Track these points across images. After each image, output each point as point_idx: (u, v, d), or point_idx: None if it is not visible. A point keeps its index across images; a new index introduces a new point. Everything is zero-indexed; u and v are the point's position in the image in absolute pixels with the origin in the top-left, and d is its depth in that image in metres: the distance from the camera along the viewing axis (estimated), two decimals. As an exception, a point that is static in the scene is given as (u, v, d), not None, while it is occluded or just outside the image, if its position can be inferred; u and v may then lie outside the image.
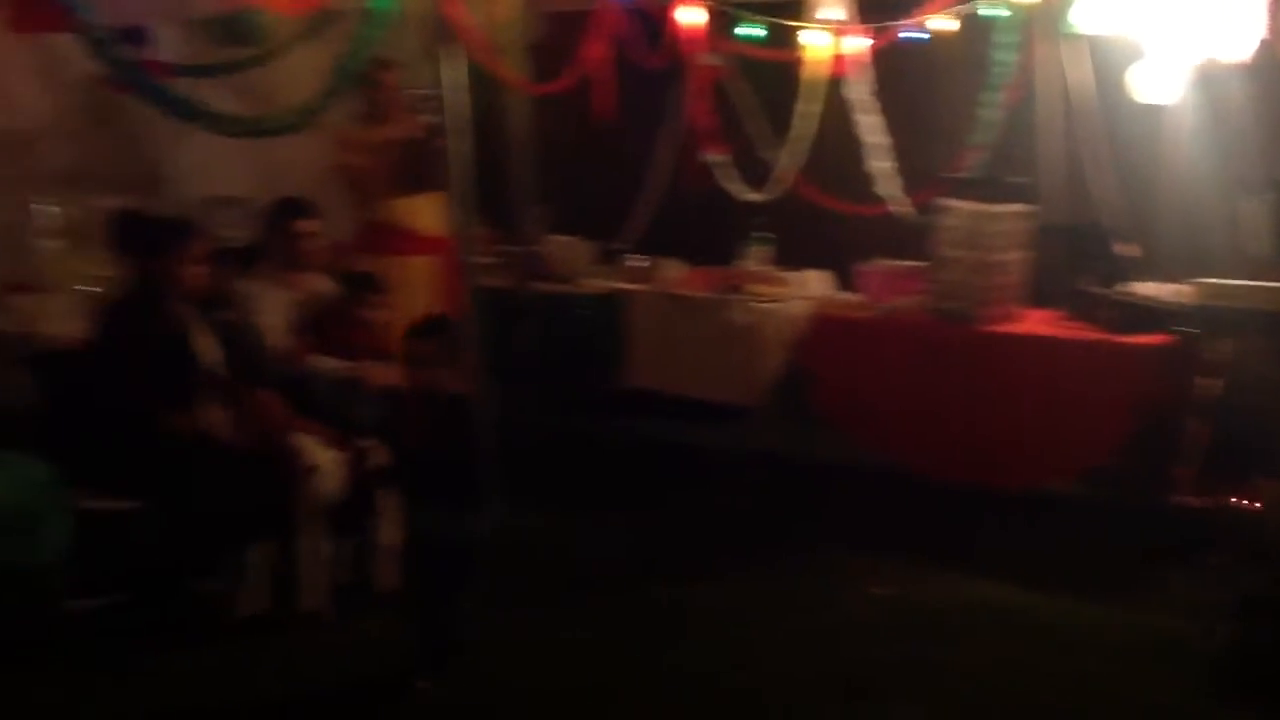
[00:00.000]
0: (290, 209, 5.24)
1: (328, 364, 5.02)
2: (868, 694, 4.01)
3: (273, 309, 5.07)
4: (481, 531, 4.05)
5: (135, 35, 5.38)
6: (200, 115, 3.46)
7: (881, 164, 6.01)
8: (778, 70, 6.16)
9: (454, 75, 4.76)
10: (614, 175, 7.04)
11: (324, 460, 4.65)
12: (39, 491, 3.64)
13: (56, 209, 5.72)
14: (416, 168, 5.70)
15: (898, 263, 6.06)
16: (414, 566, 4.17)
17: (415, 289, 5.79)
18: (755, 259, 6.38)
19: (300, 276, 5.20)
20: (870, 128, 6.00)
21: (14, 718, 3.76)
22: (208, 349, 4.64)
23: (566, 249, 6.90)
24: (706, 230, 6.61)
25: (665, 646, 4.37)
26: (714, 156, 6.20)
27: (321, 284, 5.23)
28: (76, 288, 5.45)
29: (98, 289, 5.32)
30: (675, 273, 6.65)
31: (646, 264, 6.71)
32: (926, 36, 6.04)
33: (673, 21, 5.96)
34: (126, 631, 4.22)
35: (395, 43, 5.20)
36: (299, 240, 5.20)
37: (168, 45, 5.91)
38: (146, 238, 4.56)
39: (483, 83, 5.15)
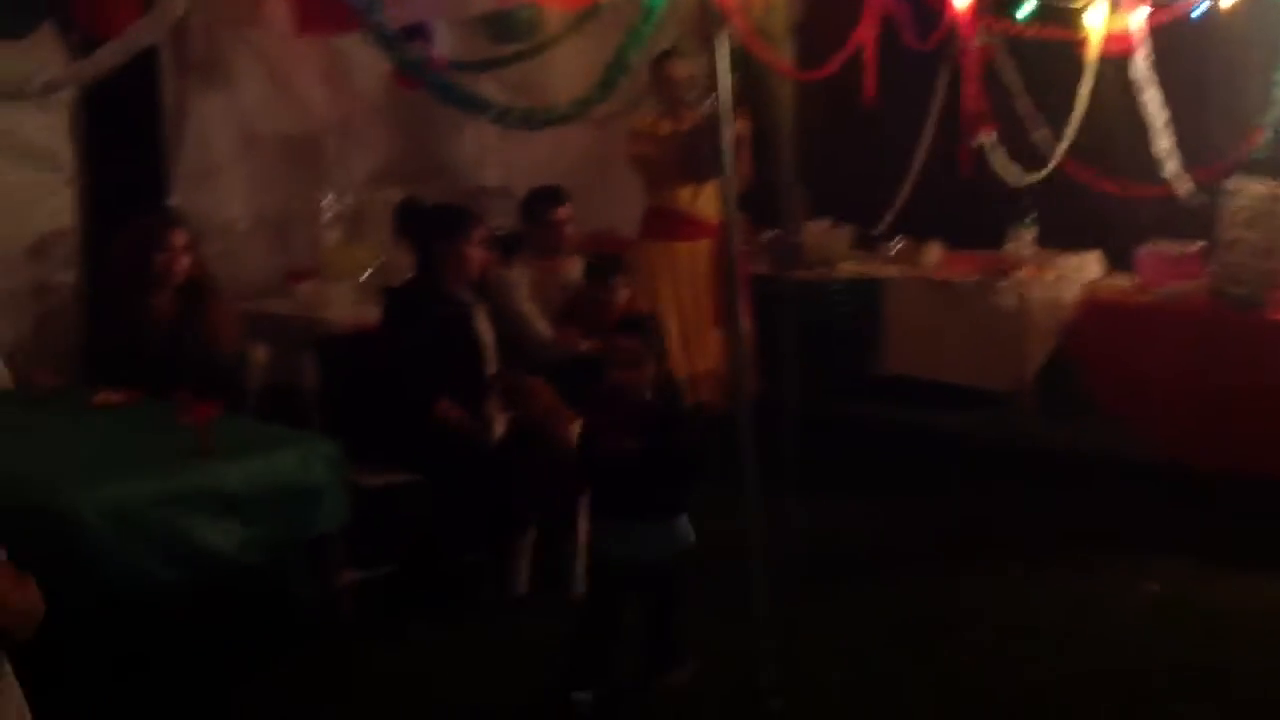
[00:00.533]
0: (547, 197, 5.38)
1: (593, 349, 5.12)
2: (1149, 697, 3.84)
3: (532, 296, 5.21)
4: (680, 548, 3.81)
5: (418, 33, 5.60)
6: (486, 108, 3.56)
7: (1163, 143, 5.73)
8: (1047, 48, 5.95)
9: (720, 62, 4.76)
10: (873, 158, 6.93)
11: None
12: (324, 466, 3.83)
13: (338, 201, 6.03)
14: (702, 156, 5.76)
15: (1176, 245, 5.79)
16: (601, 587, 3.90)
17: (697, 275, 5.89)
18: (1022, 242, 6.20)
19: (557, 263, 5.33)
20: (1152, 105, 5.72)
21: (292, 678, 3.97)
22: (487, 336, 4.80)
23: (825, 234, 6.85)
24: (968, 213, 6.45)
25: (936, 643, 4.27)
26: (984, 138, 6.04)
27: (577, 270, 5.36)
28: (355, 275, 5.74)
29: (375, 276, 5.60)
30: (936, 257, 6.51)
31: (907, 248, 6.61)
32: (1206, 9, 5.72)
33: (946, 1, 5.82)
34: (396, 603, 4.40)
35: (666, 32, 5.28)
36: (555, 227, 5.33)
37: (441, 42, 6.14)
38: (429, 224, 4.75)
39: (747, 68, 5.16)
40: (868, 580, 4.82)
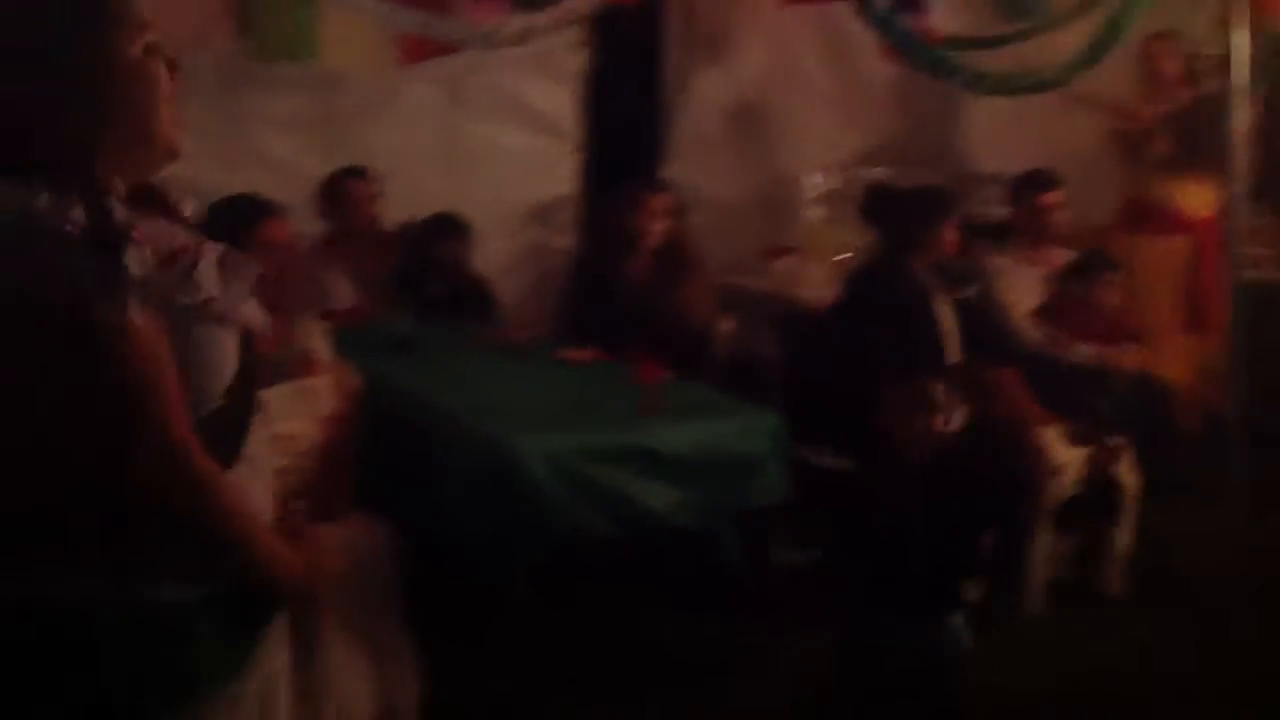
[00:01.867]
0: (1036, 181, 5.02)
1: (1078, 350, 4.75)
2: None
3: (1018, 287, 4.88)
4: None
5: (911, 4, 5.41)
6: (955, 72, 3.36)
7: None
8: None
9: (1239, 44, 4.27)
10: None
11: (1068, 459, 4.40)
12: (765, 439, 3.76)
13: (821, 180, 5.96)
14: (1185, 144, 5.27)
15: None
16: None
17: (1164, 274, 5.37)
18: None
19: (1046, 253, 4.96)
20: None
21: (712, 643, 3.94)
22: (948, 323, 4.56)
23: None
24: None
25: None
26: None
27: (1066, 261, 4.96)
28: (834, 256, 5.64)
29: (856, 257, 5.47)
30: None
31: None
32: None
33: None
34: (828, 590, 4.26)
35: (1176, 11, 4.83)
36: (1044, 214, 4.97)
37: (941, 16, 5.90)
38: (896, 208, 4.57)
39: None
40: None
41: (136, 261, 1.60)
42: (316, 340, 3.58)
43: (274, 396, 3.25)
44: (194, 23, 4.51)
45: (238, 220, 3.35)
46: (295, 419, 3.40)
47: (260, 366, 1.87)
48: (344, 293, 4.91)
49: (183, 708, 1.74)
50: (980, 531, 3.43)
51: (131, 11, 1.74)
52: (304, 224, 4.94)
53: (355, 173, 5.04)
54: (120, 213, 1.63)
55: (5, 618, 1.68)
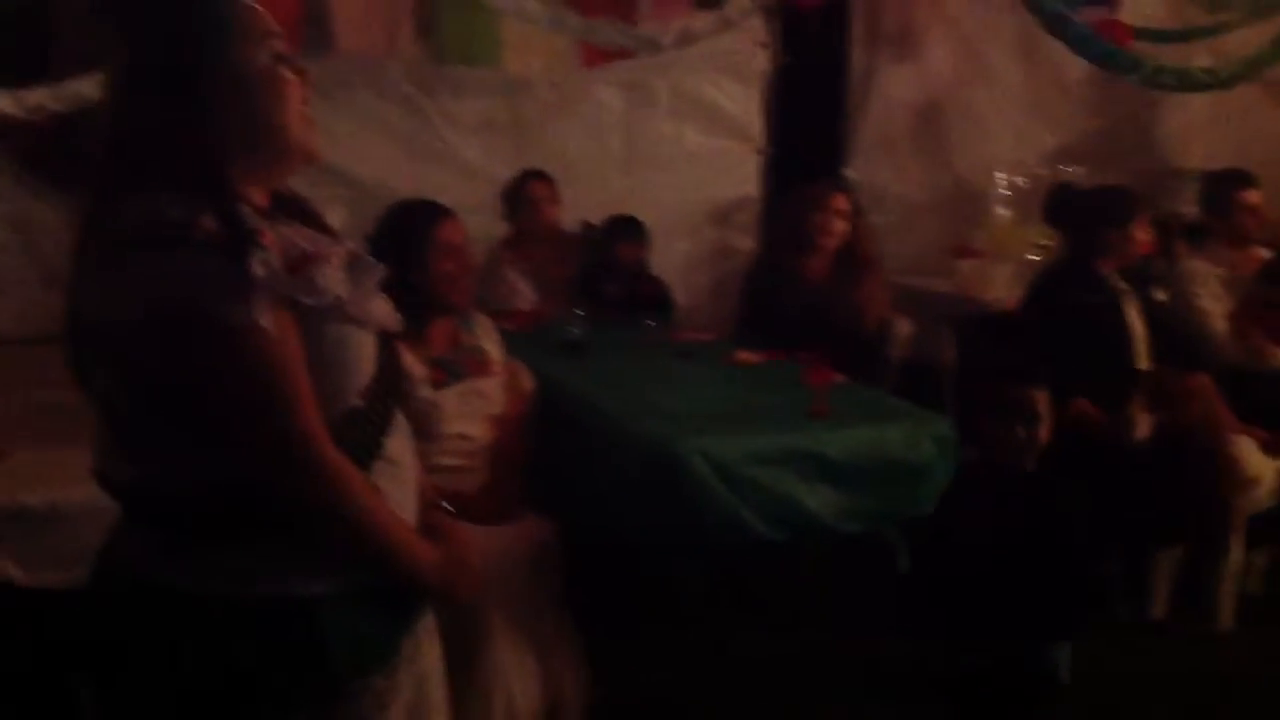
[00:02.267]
0: (1231, 179, 4.80)
1: (1276, 355, 4.53)
2: None
3: (1213, 290, 4.68)
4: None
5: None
6: (1134, 67, 3.23)
7: None
8: None
9: None
10: None
11: (1263, 470, 4.21)
12: (934, 445, 3.69)
13: (1009, 179, 5.82)
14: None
15: None
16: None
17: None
18: None
19: (1244, 254, 4.74)
20: None
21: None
22: (1138, 328, 4.40)
23: None
24: None
25: None
26: None
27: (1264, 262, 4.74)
28: (1021, 257, 5.50)
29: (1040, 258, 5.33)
30: None
31: None
32: None
33: None
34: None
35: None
36: (1242, 213, 4.74)
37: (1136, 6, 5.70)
38: (1080, 209, 4.43)
39: None
40: None
41: (262, 265, 1.66)
42: (489, 341, 3.66)
43: (446, 397, 3.39)
44: (380, 30, 4.67)
45: (413, 223, 3.45)
46: (466, 419, 3.50)
47: (400, 373, 1.94)
48: (524, 294, 5.01)
49: (324, 702, 1.80)
50: (1100, 554, 3.35)
51: (257, 21, 1.81)
52: (490, 225, 5.09)
53: (537, 175, 5.14)
54: (248, 218, 1.70)
55: (151, 604, 1.77)
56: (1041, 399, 3.29)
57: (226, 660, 1.74)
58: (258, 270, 1.65)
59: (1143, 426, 4.23)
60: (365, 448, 1.81)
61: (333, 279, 1.77)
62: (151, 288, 1.64)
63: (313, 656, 1.77)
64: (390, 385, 1.88)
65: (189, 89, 1.73)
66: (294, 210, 1.89)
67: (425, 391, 3.31)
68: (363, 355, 1.83)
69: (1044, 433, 3.29)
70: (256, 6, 1.83)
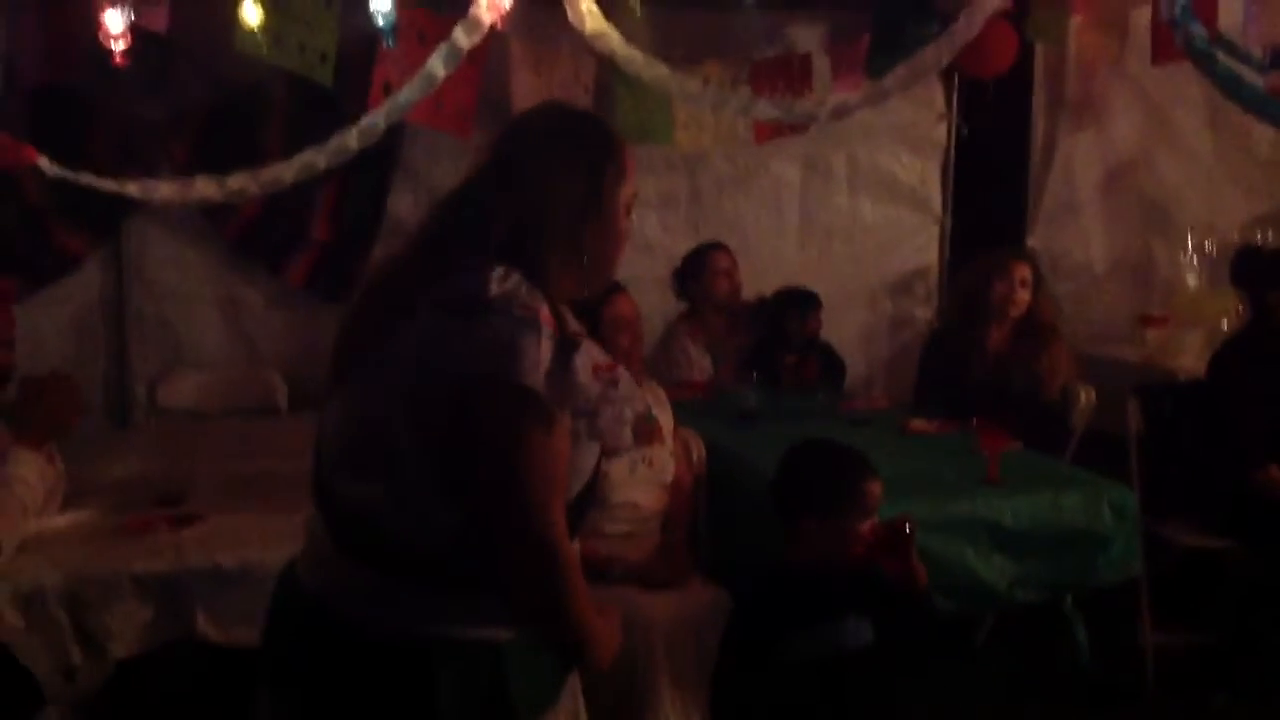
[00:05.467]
0: None
1: None
2: None
3: None
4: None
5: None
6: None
7: None
8: None
9: None
10: None
11: None
12: (1113, 514, 3.60)
13: (1198, 246, 5.67)
14: None
15: None
16: None
17: None
18: None
19: None
20: None
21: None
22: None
23: None
24: None
25: None
26: None
27: None
28: (1212, 324, 5.34)
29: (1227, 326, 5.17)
30: None
31: None
32: None
33: None
34: (1206, 676, 4.03)
35: None
36: None
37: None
38: (1265, 271, 4.30)
39: None
40: None
41: (583, 369, 1.85)
42: (660, 410, 3.74)
43: (615, 466, 3.47)
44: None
45: (589, 299, 3.56)
46: (636, 487, 3.57)
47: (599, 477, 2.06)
48: (700, 364, 5.08)
49: None
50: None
51: (629, 167, 2.01)
52: (668, 298, 5.20)
53: (716, 246, 5.23)
54: (572, 322, 1.90)
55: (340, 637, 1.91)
56: None
57: (417, 696, 1.87)
58: (580, 373, 1.83)
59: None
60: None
61: (631, 391, 1.94)
62: (486, 364, 1.80)
63: (498, 694, 1.90)
64: (594, 488, 2.02)
65: (566, 202, 1.94)
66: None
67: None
68: (590, 463, 1.97)
69: None
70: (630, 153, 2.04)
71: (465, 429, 1.80)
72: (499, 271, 1.83)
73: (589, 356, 1.88)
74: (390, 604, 1.88)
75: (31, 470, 3.07)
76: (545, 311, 1.81)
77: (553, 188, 1.93)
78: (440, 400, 1.81)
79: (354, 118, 4.13)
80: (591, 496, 2.01)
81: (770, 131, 5.00)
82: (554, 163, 1.96)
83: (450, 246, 1.92)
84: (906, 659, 3.48)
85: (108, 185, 4.08)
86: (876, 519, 2.88)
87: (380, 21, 3.96)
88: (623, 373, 1.94)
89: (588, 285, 2.02)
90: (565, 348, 1.82)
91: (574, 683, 2.13)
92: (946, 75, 5.61)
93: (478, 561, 1.84)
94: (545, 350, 1.80)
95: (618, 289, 3.64)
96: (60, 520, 3.19)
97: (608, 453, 2.01)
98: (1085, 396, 4.69)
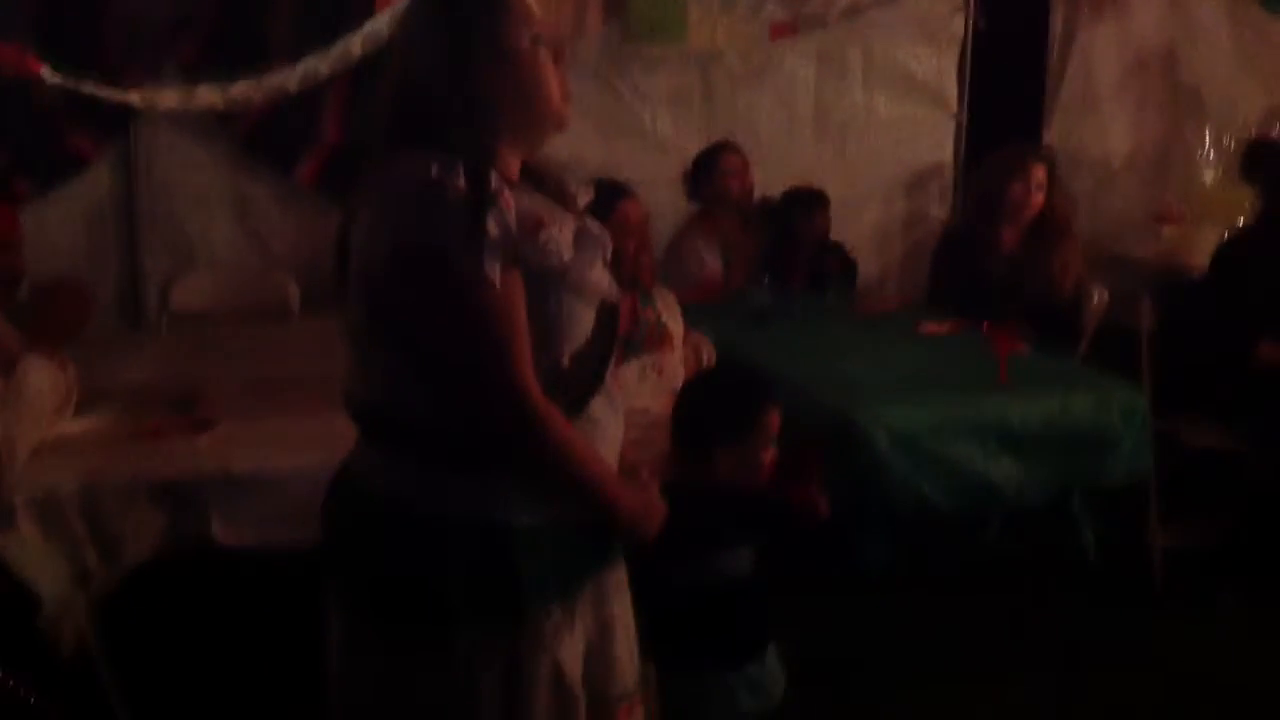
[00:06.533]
0: None
1: None
2: None
3: None
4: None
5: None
6: None
7: None
8: None
9: None
10: None
11: None
12: (1121, 415, 3.60)
13: (1217, 140, 5.59)
14: None
15: None
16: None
17: None
18: None
19: None
20: None
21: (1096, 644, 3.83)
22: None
23: None
24: None
25: None
26: None
27: None
28: (1229, 220, 5.28)
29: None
30: None
31: None
32: None
33: None
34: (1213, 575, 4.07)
35: None
36: None
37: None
38: (1275, 163, 4.24)
39: None
40: None
41: (497, 224, 1.85)
42: (669, 316, 3.73)
43: (624, 372, 3.46)
44: (570, 12, 4.79)
45: (594, 202, 3.54)
46: (645, 394, 3.57)
47: (615, 341, 2.08)
48: (712, 265, 5.05)
49: (508, 618, 1.97)
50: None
51: (522, 6, 1.99)
52: (680, 198, 5.16)
53: (727, 147, 5.16)
54: (494, 182, 1.88)
55: (373, 511, 2.00)
56: None
57: (430, 568, 1.94)
58: (491, 229, 1.84)
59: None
60: (569, 405, 1.96)
61: (559, 245, 1.94)
62: (402, 234, 1.86)
63: (503, 578, 1.95)
64: (602, 352, 2.04)
65: (459, 61, 1.94)
66: (543, 182, 2.08)
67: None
68: (579, 323, 1.99)
69: None
70: None
71: (405, 299, 1.88)
72: (423, 148, 1.88)
73: (525, 210, 1.91)
74: (403, 482, 1.96)
75: (44, 378, 3.09)
76: (459, 180, 1.83)
77: (423, 55, 1.96)
78: (377, 275, 1.89)
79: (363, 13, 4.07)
80: (595, 360, 2.02)
81: (785, 29, 4.92)
82: (419, 32, 2.00)
83: (386, 130, 1.98)
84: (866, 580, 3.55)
85: (110, 93, 4.04)
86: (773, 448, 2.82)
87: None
88: (565, 222, 1.98)
89: (532, 131, 2.04)
90: (483, 207, 1.84)
91: (615, 584, 2.16)
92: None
93: (468, 442, 1.91)
94: (467, 219, 1.83)
95: (626, 193, 3.60)
96: (74, 426, 3.20)
97: (580, 294, 1.99)
98: (1098, 296, 4.68)
